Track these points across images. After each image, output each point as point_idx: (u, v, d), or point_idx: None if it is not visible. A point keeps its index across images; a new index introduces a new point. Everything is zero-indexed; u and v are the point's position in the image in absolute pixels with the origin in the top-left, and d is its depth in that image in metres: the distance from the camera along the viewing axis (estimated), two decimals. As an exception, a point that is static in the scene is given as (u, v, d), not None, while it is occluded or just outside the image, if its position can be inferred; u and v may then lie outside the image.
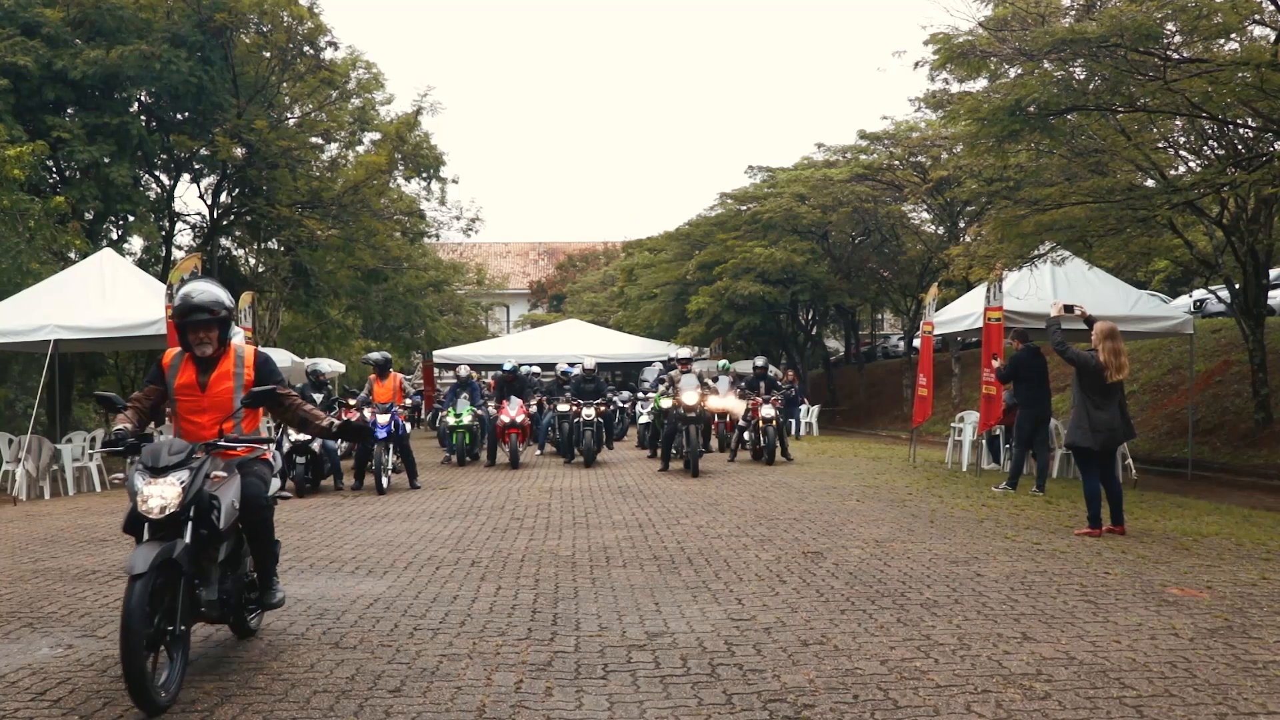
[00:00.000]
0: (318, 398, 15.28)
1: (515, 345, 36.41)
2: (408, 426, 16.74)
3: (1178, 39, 13.43)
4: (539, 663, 5.53)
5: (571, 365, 21.88)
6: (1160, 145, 16.87)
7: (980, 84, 15.86)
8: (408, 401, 16.02)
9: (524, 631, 6.23)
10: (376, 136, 31.16)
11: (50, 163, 23.01)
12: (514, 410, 18.46)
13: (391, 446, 15.06)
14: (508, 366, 19.92)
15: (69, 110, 22.78)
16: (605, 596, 7.18)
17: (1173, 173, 17.51)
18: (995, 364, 14.41)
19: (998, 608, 6.60)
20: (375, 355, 16.20)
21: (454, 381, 20.52)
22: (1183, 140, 17.49)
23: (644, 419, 22.44)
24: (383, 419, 14.94)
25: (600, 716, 4.63)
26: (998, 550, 8.78)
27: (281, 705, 4.86)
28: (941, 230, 32.55)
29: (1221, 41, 14.34)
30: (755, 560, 8.45)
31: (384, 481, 14.59)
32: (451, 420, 19.33)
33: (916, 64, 16.20)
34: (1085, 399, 9.69)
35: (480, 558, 8.86)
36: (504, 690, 5.05)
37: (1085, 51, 12.63)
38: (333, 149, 31.09)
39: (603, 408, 19.28)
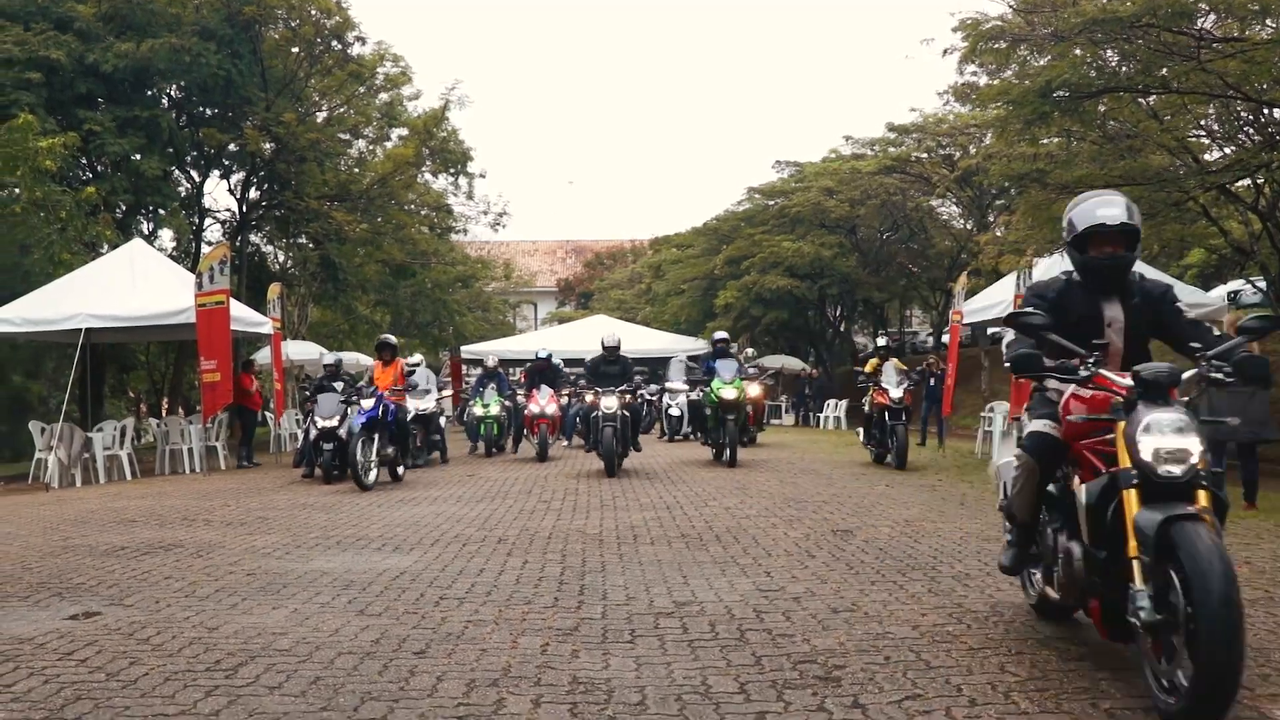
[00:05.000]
0: (339, 387, 15.07)
1: (543, 340, 36.40)
2: (431, 407, 16.78)
3: (1211, 19, 13.27)
4: (565, 628, 5.48)
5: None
6: (1193, 136, 16.67)
7: (1009, 74, 15.74)
8: (432, 389, 16.01)
9: (550, 600, 6.19)
10: (404, 133, 31.24)
11: (82, 157, 23.19)
12: (544, 400, 17.88)
13: (378, 436, 13.39)
14: (542, 354, 19.59)
15: (100, 103, 22.93)
16: (633, 570, 7.13)
17: (1206, 158, 17.29)
18: None
19: (1031, 580, 6.49)
20: (384, 337, 16.16)
21: (480, 373, 20.44)
22: (1216, 127, 17.27)
23: (674, 410, 22.12)
24: (366, 404, 13.28)
25: (627, 677, 4.58)
26: (1030, 529, 8.65)
27: (306, 665, 4.83)
28: (970, 225, 32.33)
29: (1257, 27, 14.15)
30: (784, 538, 8.38)
31: (365, 478, 12.83)
32: (479, 411, 19.22)
33: (945, 51, 16.09)
34: None
35: (507, 536, 8.83)
36: (530, 652, 5.00)
37: (1117, 32, 12.47)
38: (360, 145, 31.22)
39: (628, 397, 15.09)
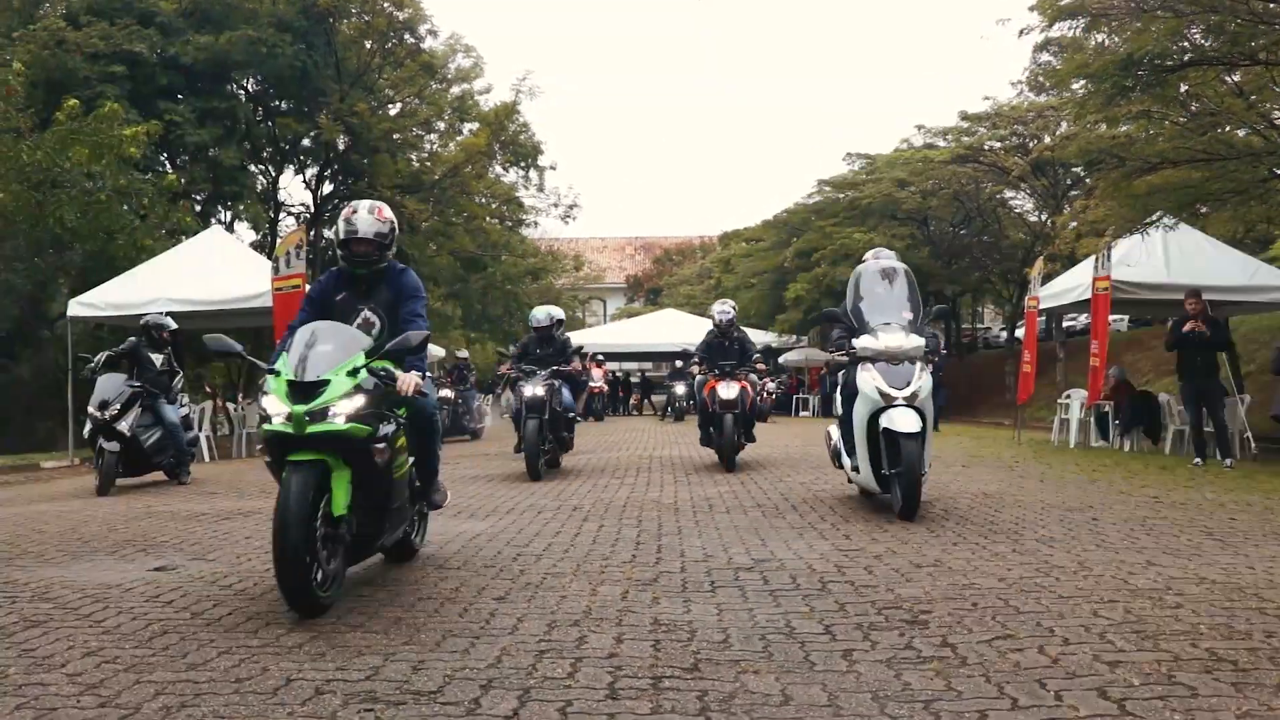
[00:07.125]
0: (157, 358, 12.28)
1: (613, 334, 36.41)
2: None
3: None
4: (644, 580, 5.44)
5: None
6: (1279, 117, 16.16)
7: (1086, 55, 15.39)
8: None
9: (628, 556, 6.16)
10: (475, 126, 31.42)
11: (162, 151, 23.69)
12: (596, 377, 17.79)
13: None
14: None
15: (180, 96, 23.41)
16: (709, 534, 7.06)
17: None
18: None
19: (1118, 543, 6.33)
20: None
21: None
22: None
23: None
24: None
25: (709, 620, 4.52)
26: (1113, 501, 8.47)
27: (386, 608, 4.85)
28: (1044, 216, 31.79)
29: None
30: (861, 506, 8.27)
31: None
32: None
33: (1021, 32, 15.76)
34: None
35: (582, 504, 8.82)
36: (609, 599, 4.97)
37: (1203, 1, 12.12)
38: (433, 139, 31.46)
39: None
